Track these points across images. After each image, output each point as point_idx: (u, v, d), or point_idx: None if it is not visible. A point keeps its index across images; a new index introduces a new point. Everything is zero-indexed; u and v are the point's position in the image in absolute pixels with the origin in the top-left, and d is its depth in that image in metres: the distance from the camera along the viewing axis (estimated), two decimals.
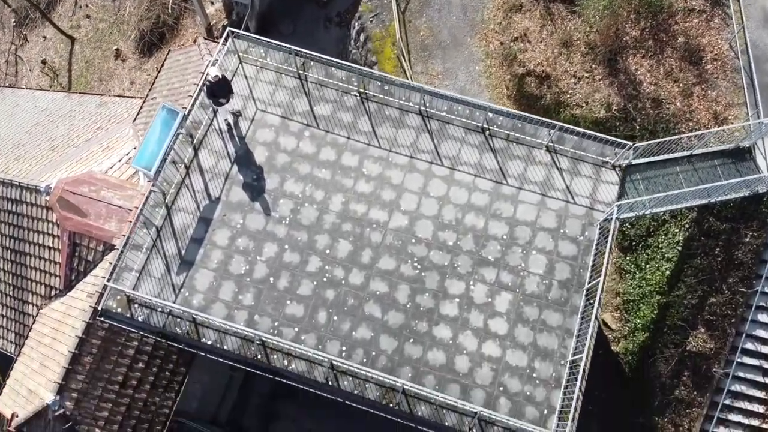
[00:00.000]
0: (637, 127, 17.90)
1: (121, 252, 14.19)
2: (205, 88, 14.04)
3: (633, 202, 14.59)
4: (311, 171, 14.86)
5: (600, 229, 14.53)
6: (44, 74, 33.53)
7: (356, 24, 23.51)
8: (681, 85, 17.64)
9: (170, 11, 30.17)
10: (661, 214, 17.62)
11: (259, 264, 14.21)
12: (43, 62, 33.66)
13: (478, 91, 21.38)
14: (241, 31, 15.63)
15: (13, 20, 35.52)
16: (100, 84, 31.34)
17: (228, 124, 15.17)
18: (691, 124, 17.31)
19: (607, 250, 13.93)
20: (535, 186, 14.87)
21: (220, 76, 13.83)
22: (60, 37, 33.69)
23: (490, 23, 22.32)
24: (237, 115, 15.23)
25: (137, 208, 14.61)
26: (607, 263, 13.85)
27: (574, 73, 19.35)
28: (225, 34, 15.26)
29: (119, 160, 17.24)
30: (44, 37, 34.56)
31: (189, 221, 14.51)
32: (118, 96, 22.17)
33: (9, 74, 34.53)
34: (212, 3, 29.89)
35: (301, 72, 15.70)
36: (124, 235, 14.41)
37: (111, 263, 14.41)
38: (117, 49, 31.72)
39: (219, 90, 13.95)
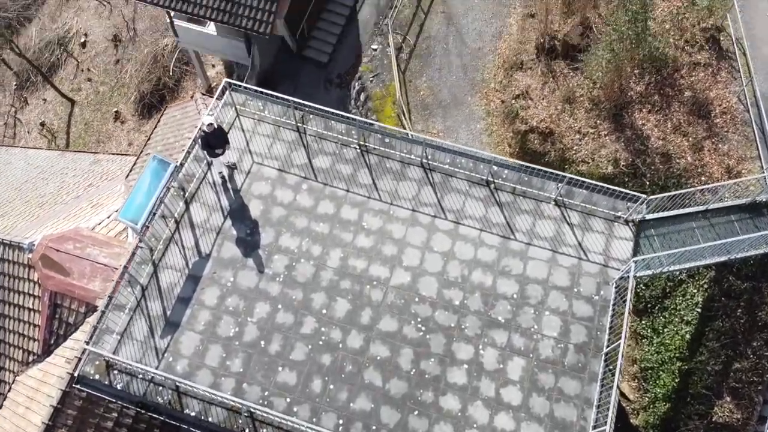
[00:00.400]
0: (647, 183, 17.26)
1: (103, 313, 13.17)
2: (199, 138, 13.45)
3: (650, 259, 13.72)
4: (308, 225, 14.07)
5: (616, 287, 13.59)
6: (42, 136, 33.37)
7: (356, 84, 23.39)
8: (690, 139, 17.15)
9: (171, 74, 30.30)
10: (678, 273, 16.71)
11: (250, 325, 13.16)
12: (42, 124, 33.60)
13: (479, 148, 20.90)
14: (238, 83, 15.24)
15: (15, 83, 35.75)
16: (98, 146, 31.07)
17: (222, 177, 14.51)
18: (703, 178, 16.69)
19: (626, 311, 12.93)
20: (545, 242, 14.05)
21: (216, 126, 13.28)
22: (60, 100, 33.78)
23: (490, 82, 22.17)
24: (232, 167, 14.61)
25: (123, 266, 13.70)
26: (627, 325, 12.82)
27: (579, 129, 18.93)
28: (222, 86, 14.84)
29: (108, 217, 16.47)
30: (44, 99, 34.68)
31: (176, 279, 13.57)
32: (113, 153, 21.68)
33: (7, 136, 34.39)
34: (213, 66, 30.07)
35: (299, 125, 15.19)
36: (107, 296, 13.42)
37: (92, 325, 13.37)
38: (117, 111, 31.67)
39: (214, 140, 13.36)
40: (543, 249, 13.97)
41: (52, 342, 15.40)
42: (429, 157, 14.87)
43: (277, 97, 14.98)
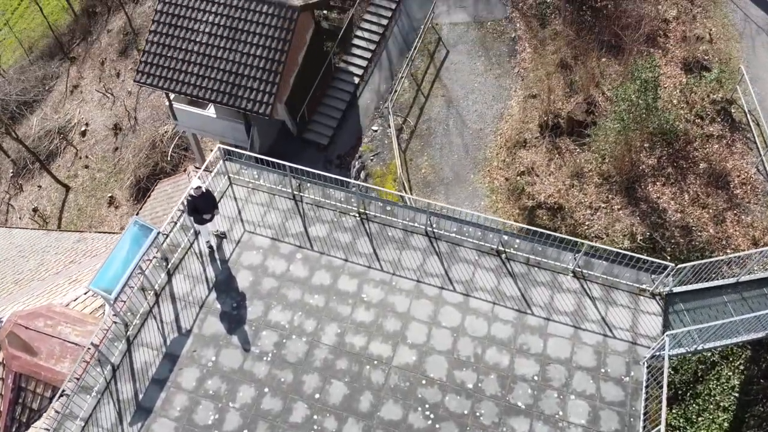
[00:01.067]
0: (668, 258, 16.08)
1: (67, 397, 11.52)
2: (186, 202, 12.43)
3: (682, 335, 12.27)
4: (302, 297, 12.71)
5: (648, 367, 12.03)
6: (34, 221, 32.49)
7: (356, 163, 22.81)
8: (711, 211, 16.21)
9: (169, 159, 29.94)
10: (710, 354, 15.14)
11: (232, 412, 11.46)
12: (35, 210, 32.83)
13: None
14: (232, 149, 14.46)
15: (11, 171, 35.42)
16: (88, 230, 30.09)
17: (210, 247, 13.35)
18: (728, 251, 15.53)
19: (664, 395, 11.30)
20: (566, 317, 12.65)
21: (204, 189, 12.30)
22: (55, 186, 33.25)
23: (493, 160, 21.59)
24: (221, 237, 13.48)
25: (94, 345, 12.18)
26: (665, 410, 11.14)
27: (590, 204, 18.03)
28: (215, 151, 14.05)
29: (85, 293, 15.10)
30: (39, 186, 34.16)
31: (152, 358, 12.02)
32: (99, 232, 20.62)
33: None
34: (211, 150, 29.75)
35: (296, 192, 14.25)
36: (73, 377, 11.81)
37: (57, 411, 11.67)
38: (111, 197, 31.01)
39: (202, 204, 12.33)
40: (564, 325, 12.54)
41: (13, 430, 13.56)
42: (434, 225, 13.80)
43: (272, 164, 14.14)
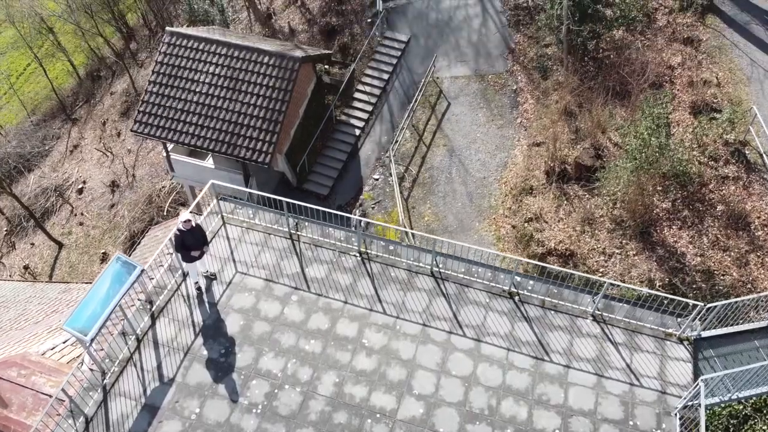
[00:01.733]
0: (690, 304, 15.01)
1: None
2: (173, 237, 11.55)
3: (716, 382, 11.10)
4: (297, 342, 11.61)
5: (681, 419, 10.79)
6: (23, 279, 31.42)
7: (357, 212, 22.06)
8: (732, 253, 15.30)
9: (165, 213, 29.25)
10: (741, 407, 13.80)
11: None
12: (25, 267, 31.82)
13: None
14: (225, 185, 13.74)
15: (5, 229, 34.69)
16: (76, 282, 28.99)
17: (198, 289, 12.36)
18: (753, 295, 14.47)
19: None
20: (587, 364, 11.50)
21: (194, 224, 11.45)
22: (48, 244, 32.42)
23: (498, 208, 20.87)
24: (211, 278, 12.53)
25: (66, 394, 10.98)
26: None
27: (603, 250, 17.12)
28: (207, 186, 13.31)
29: (64, 342, 13.97)
30: (32, 244, 33.31)
31: (130, 410, 10.80)
32: (86, 282, 19.61)
33: None
34: (209, 205, 29.09)
35: (293, 232, 13.40)
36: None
37: None
38: (104, 253, 30.11)
39: (191, 240, 11.45)
40: (586, 373, 11.38)
41: None
42: (440, 265, 12.87)
43: (269, 202, 13.37)
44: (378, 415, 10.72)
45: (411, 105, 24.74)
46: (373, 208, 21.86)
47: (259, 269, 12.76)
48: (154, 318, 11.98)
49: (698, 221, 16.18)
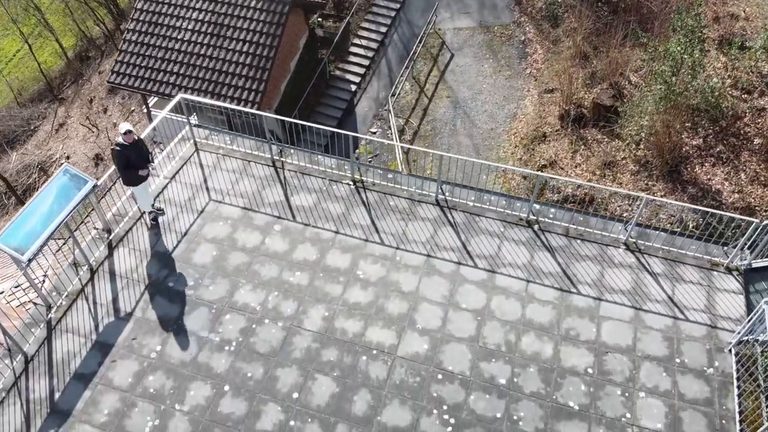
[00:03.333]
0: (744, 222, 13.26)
1: None
2: (115, 153, 9.70)
3: None
4: (279, 274, 9.85)
5: (736, 355, 9.03)
6: None
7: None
8: None
9: None
10: None
11: (178, 418, 8.37)
12: None
13: None
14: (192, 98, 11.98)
15: None
16: None
17: (154, 220, 10.58)
18: None
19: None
20: (622, 296, 9.74)
21: (136, 137, 9.67)
22: None
23: (508, 160, 19.11)
24: (159, 213, 10.69)
25: (3, 332, 9.21)
26: None
27: (627, 194, 15.35)
28: (175, 100, 11.55)
29: (16, 286, 12.24)
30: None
31: (77, 348, 9.04)
32: None
33: None
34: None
35: (276, 158, 11.63)
36: None
37: None
38: None
39: (134, 156, 9.64)
40: (621, 306, 9.62)
41: None
42: (447, 194, 11.11)
43: (249, 124, 11.62)
44: (375, 352, 8.97)
45: (411, 55, 22.97)
46: (370, 161, 20.08)
47: (236, 197, 10.99)
48: (111, 247, 10.22)
49: (734, 156, 14.43)
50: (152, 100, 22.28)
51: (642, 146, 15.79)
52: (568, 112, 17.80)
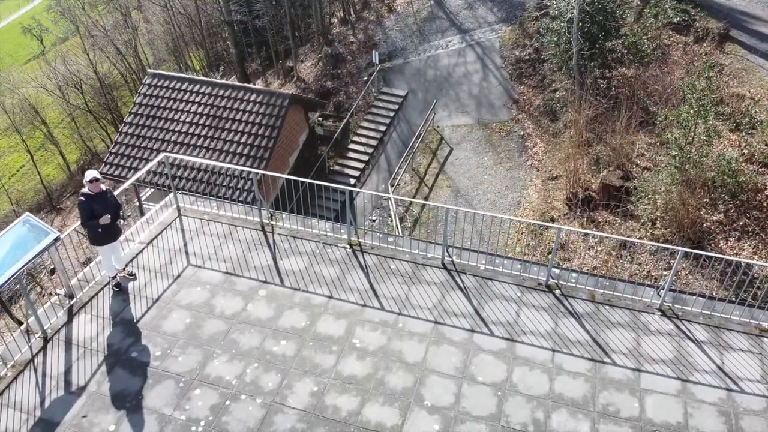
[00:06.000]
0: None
1: None
2: (79, 204, 8.71)
3: None
4: (261, 343, 8.44)
5: None
6: None
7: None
8: None
9: None
10: None
11: None
12: None
13: None
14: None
15: None
16: None
17: (117, 286, 9.35)
18: None
19: None
20: (664, 366, 8.28)
21: (103, 187, 8.74)
22: (12, 326, 29.01)
23: (515, 246, 18.06)
24: (129, 278, 9.51)
25: None
26: None
27: (648, 273, 14.16)
28: (157, 160, 10.73)
29: None
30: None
31: (18, 426, 7.44)
32: None
33: None
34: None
35: (266, 222, 10.62)
36: None
37: None
38: None
39: (100, 207, 8.66)
40: (664, 377, 8.13)
41: None
42: (454, 257, 9.97)
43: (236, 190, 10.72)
44: None
45: (409, 147, 22.74)
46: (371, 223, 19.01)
47: (218, 261, 9.83)
48: (71, 314, 8.89)
49: (760, 229, 13.41)
50: (145, 194, 21.65)
51: (659, 224, 14.84)
52: (576, 195, 17.04)
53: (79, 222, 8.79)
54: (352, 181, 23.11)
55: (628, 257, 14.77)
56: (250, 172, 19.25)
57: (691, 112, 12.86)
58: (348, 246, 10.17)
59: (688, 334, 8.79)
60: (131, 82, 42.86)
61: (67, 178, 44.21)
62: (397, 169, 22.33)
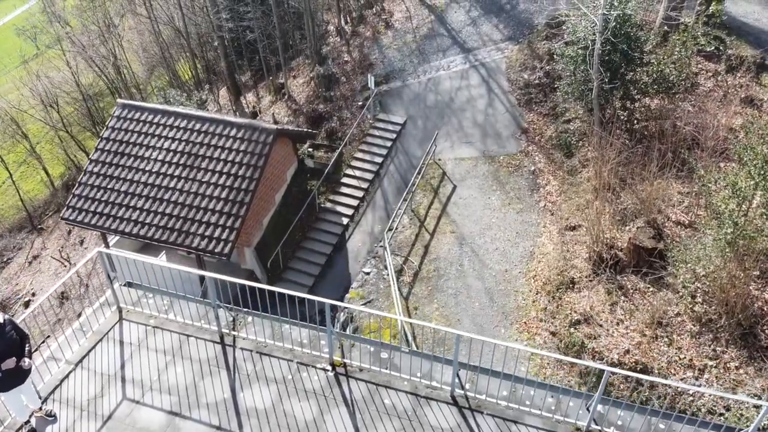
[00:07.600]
0: None
1: None
2: None
3: None
4: None
5: None
6: None
7: (341, 314, 16.99)
8: None
9: None
10: None
11: None
12: None
13: None
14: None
15: None
16: None
17: (32, 430, 7.13)
18: None
19: None
20: None
21: (1, 319, 6.55)
22: None
23: (530, 309, 15.85)
24: (49, 420, 7.29)
25: None
26: None
27: (690, 363, 11.95)
28: (92, 255, 8.49)
29: None
30: None
31: None
32: None
33: None
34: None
35: (225, 332, 8.38)
36: None
37: None
38: None
39: (1, 347, 6.46)
40: None
41: None
42: (467, 385, 7.74)
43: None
44: None
45: (409, 187, 20.51)
46: (360, 313, 16.79)
47: (161, 394, 7.58)
48: None
49: None
50: (113, 239, 19.42)
51: (700, 299, 12.62)
52: (601, 255, 14.82)
53: None
54: (345, 220, 20.88)
55: (665, 338, 12.55)
56: (231, 249, 17.12)
57: (750, 183, 10.70)
58: (330, 367, 7.95)
59: None
60: (115, 91, 40.63)
61: (50, 194, 42.11)
62: (396, 210, 20.10)
